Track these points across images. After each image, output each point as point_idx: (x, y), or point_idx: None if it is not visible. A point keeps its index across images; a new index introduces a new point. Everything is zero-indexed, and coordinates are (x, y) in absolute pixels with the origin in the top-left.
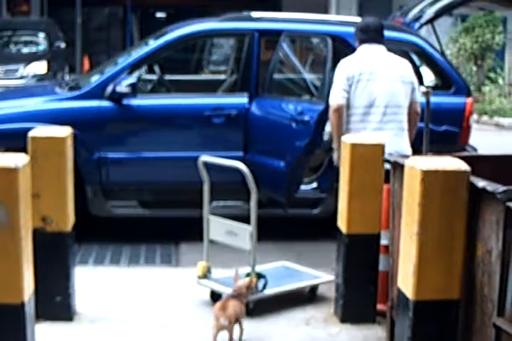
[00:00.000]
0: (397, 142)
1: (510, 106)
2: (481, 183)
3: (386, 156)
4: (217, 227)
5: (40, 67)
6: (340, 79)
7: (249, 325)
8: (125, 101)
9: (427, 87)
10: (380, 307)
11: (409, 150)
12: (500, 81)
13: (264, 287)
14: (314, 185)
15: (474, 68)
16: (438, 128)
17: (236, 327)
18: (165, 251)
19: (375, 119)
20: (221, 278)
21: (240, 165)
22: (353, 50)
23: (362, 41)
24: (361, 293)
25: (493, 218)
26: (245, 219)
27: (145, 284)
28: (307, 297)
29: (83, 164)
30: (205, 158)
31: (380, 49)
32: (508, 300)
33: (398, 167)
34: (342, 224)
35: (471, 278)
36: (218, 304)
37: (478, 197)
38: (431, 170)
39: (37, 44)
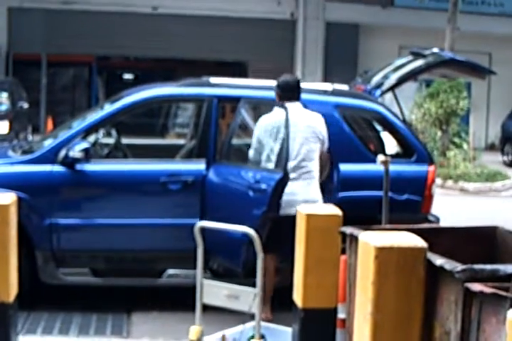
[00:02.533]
0: (309, 190)
1: (475, 171)
2: (438, 261)
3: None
4: (213, 291)
5: (2, 127)
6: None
7: None
8: (78, 167)
9: (386, 155)
10: None
11: (319, 197)
12: (465, 146)
13: None
14: None
15: (439, 133)
16: (399, 197)
17: None
18: (116, 321)
19: (291, 170)
20: None
21: (247, 229)
22: None
23: (281, 98)
24: None
25: (451, 298)
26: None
27: None
28: None
29: (34, 230)
30: (204, 223)
31: (296, 106)
32: None
33: (354, 239)
34: (298, 298)
35: None
36: None
37: (436, 275)
38: (385, 247)
39: None
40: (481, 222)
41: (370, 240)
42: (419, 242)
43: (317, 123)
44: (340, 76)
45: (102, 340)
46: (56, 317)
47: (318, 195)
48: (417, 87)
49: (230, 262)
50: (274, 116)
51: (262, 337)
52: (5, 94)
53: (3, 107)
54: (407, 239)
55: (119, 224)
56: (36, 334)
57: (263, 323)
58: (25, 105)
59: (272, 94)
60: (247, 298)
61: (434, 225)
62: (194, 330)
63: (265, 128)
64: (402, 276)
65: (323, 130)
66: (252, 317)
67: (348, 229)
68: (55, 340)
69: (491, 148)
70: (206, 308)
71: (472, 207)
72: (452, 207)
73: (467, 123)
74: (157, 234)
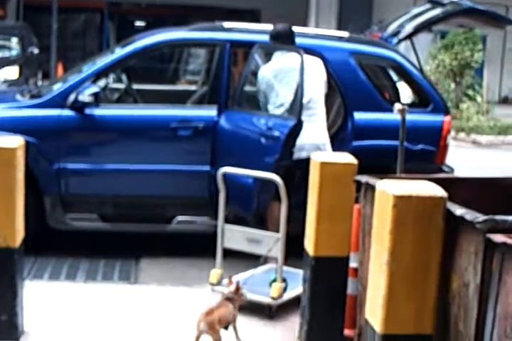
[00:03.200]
0: (316, 133)
1: (488, 124)
2: (458, 211)
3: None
4: (234, 235)
5: (12, 72)
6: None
7: None
8: (87, 111)
9: (403, 104)
10: (347, 332)
11: (326, 140)
12: (479, 98)
13: (285, 290)
14: None
15: (452, 85)
16: (414, 147)
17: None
18: (124, 266)
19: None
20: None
21: (274, 176)
22: (327, 63)
23: None
24: (327, 318)
25: (471, 249)
26: (208, 235)
27: (101, 302)
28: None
29: (42, 175)
30: (227, 169)
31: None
32: (485, 338)
33: (369, 188)
34: (309, 245)
35: (446, 312)
36: (206, 309)
37: (456, 225)
38: (404, 196)
39: (9, 49)
40: (495, 174)
41: (388, 188)
42: (438, 191)
43: (319, 67)
44: (355, 26)
45: (109, 286)
46: (63, 262)
47: (325, 138)
48: (431, 38)
49: (240, 209)
50: (282, 61)
51: (284, 280)
52: (15, 39)
53: (13, 52)
54: (426, 188)
55: (128, 169)
56: (43, 279)
57: (284, 267)
58: (36, 50)
59: None
60: (269, 242)
61: (451, 175)
62: (215, 274)
63: (275, 73)
64: (421, 226)
65: (324, 74)
66: (264, 262)
67: (364, 178)
68: (61, 286)
69: (504, 101)
70: (212, 254)
71: (485, 159)
72: (464, 159)
73: (481, 76)
74: (167, 181)
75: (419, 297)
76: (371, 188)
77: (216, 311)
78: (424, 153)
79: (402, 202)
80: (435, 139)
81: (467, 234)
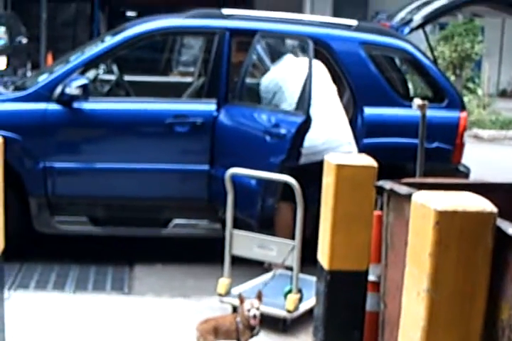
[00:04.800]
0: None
1: (490, 118)
2: (511, 229)
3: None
4: (243, 242)
5: None
6: None
7: None
8: (75, 105)
9: (423, 99)
10: None
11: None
12: (479, 91)
13: (300, 301)
14: None
15: (452, 78)
16: (429, 146)
17: None
18: (117, 274)
19: None
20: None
21: (288, 178)
22: (335, 54)
23: None
24: (344, 339)
25: None
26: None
27: (92, 315)
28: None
29: (26, 174)
30: (236, 170)
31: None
32: None
33: (394, 195)
34: (323, 258)
35: None
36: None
37: (506, 246)
38: (448, 211)
39: None
40: (505, 172)
41: (428, 201)
42: (487, 205)
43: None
44: (351, 13)
45: (100, 297)
46: (51, 270)
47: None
48: (430, 30)
49: (244, 213)
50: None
51: (299, 290)
52: (2, 29)
53: (1, 42)
54: (472, 201)
55: (119, 168)
56: (29, 289)
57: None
58: (24, 40)
59: (291, 27)
60: (283, 250)
61: (480, 180)
62: (223, 283)
63: (283, 75)
64: (466, 247)
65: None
66: (266, 270)
67: (387, 184)
68: (49, 297)
69: (502, 94)
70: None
71: (488, 154)
72: (467, 155)
73: (479, 68)
74: (162, 181)
75: (463, 329)
76: (396, 196)
77: (214, 320)
78: (439, 151)
79: (445, 219)
80: (451, 137)
81: None
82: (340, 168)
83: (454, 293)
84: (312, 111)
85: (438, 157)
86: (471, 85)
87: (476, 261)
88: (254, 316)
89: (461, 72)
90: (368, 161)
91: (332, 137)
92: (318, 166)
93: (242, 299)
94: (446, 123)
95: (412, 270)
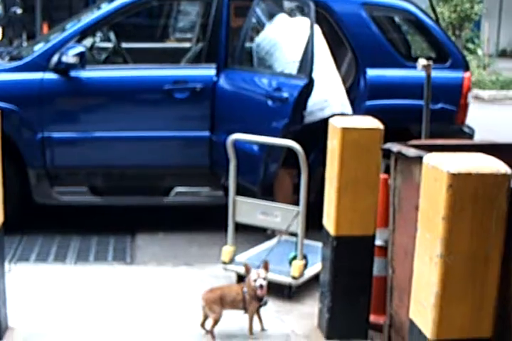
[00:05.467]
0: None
1: (490, 78)
2: None
3: None
4: (246, 209)
5: None
6: None
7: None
8: (72, 73)
9: (428, 59)
10: (373, 319)
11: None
12: (479, 52)
13: (305, 267)
14: None
15: (452, 38)
16: (433, 106)
17: None
18: (119, 244)
19: None
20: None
21: (291, 143)
22: (336, 15)
23: None
24: (351, 305)
25: None
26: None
27: (94, 286)
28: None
29: (25, 145)
30: (238, 135)
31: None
32: None
33: (402, 158)
34: (329, 224)
35: (507, 313)
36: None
37: None
38: (461, 173)
39: None
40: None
41: (441, 164)
42: (501, 167)
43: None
44: None
45: (102, 267)
46: (51, 242)
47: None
48: None
49: (245, 179)
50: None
51: (304, 256)
52: None
53: None
54: (485, 163)
55: (119, 137)
56: (29, 261)
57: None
58: (19, 11)
59: None
60: (287, 216)
61: (491, 141)
62: (226, 251)
63: (279, 33)
64: (481, 210)
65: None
66: (269, 237)
67: (395, 147)
68: (50, 269)
69: (502, 54)
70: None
71: (489, 115)
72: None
73: (478, 29)
74: (162, 149)
75: (477, 295)
76: (404, 158)
77: (219, 290)
78: (444, 112)
79: (459, 182)
80: (455, 97)
81: None
82: (345, 131)
83: (468, 257)
84: None
85: (442, 118)
86: (470, 46)
87: (491, 224)
88: (261, 286)
89: (461, 33)
90: (374, 123)
91: (323, 97)
92: (310, 128)
93: (248, 269)
94: (450, 83)
95: (423, 234)
